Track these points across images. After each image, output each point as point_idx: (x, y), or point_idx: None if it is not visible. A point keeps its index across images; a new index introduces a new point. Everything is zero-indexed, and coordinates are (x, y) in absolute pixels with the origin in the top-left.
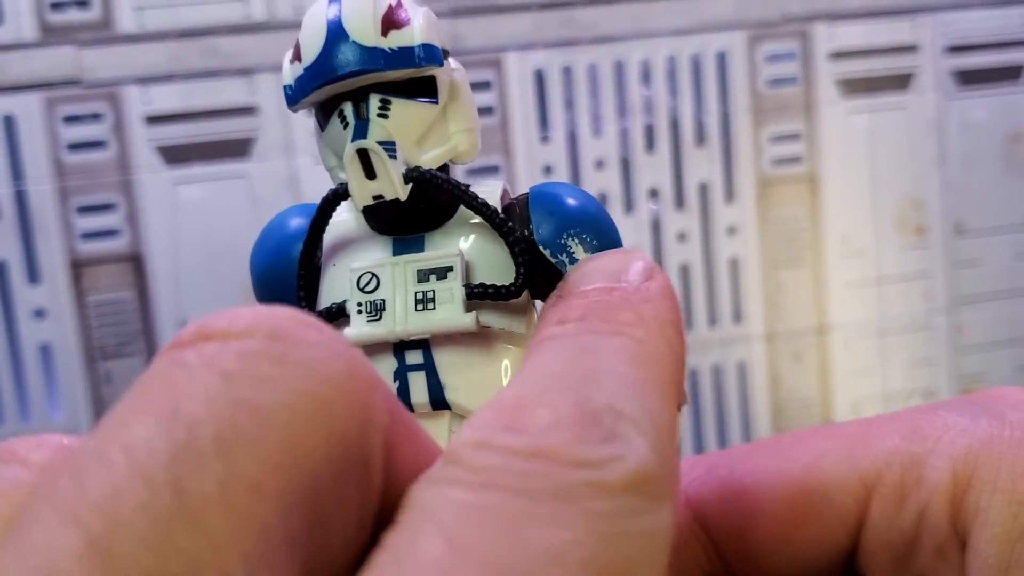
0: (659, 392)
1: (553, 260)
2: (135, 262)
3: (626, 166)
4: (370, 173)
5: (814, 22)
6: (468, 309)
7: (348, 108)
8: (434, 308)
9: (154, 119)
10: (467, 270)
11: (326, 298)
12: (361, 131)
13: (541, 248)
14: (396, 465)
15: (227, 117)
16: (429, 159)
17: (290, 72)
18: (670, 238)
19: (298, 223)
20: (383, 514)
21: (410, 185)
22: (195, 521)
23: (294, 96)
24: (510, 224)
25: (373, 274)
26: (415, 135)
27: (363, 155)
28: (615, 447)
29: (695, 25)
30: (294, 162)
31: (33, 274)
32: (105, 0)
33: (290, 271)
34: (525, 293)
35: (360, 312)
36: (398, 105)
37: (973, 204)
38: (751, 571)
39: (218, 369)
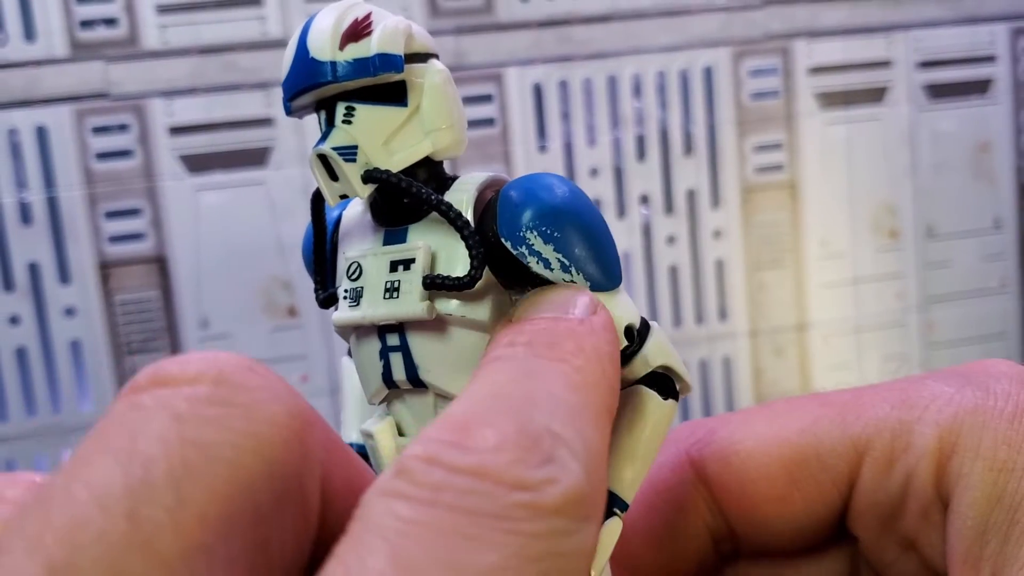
0: (593, 418)
1: (514, 252)
2: (159, 263)
3: (619, 174)
4: (333, 175)
5: (795, 39)
6: (429, 298)
7: (322, 116)
8: (398, 297)
9: (177, 130)
10: (432, 261)
11: (339, 283)
12: (323, 137)
13: (503, 241)
14: (333, 490)
15: (246, 128)
16: (398, 159)
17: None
18: (660, 241)
19: (333, 216)
20: (322, 533)
21: (370, 185)
22: (147, 546)
23: (284, 108)
24: (463, 219)
25: (358, 263)
26: (381, 138)
27: (324, 159)
28: (551, 470)
29: (683, 42)
30: (308, 170)
31: (64, 275)
32: (132, 18)
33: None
34: (487, 281)
35: (345, 298)
36: (363, 111)
37: (943, 209)
38: (751, 528)
39: (170, 411)
